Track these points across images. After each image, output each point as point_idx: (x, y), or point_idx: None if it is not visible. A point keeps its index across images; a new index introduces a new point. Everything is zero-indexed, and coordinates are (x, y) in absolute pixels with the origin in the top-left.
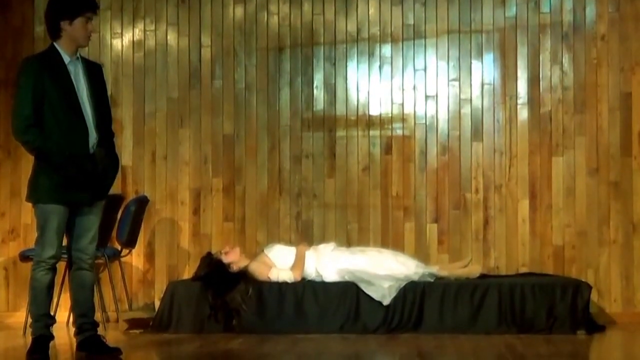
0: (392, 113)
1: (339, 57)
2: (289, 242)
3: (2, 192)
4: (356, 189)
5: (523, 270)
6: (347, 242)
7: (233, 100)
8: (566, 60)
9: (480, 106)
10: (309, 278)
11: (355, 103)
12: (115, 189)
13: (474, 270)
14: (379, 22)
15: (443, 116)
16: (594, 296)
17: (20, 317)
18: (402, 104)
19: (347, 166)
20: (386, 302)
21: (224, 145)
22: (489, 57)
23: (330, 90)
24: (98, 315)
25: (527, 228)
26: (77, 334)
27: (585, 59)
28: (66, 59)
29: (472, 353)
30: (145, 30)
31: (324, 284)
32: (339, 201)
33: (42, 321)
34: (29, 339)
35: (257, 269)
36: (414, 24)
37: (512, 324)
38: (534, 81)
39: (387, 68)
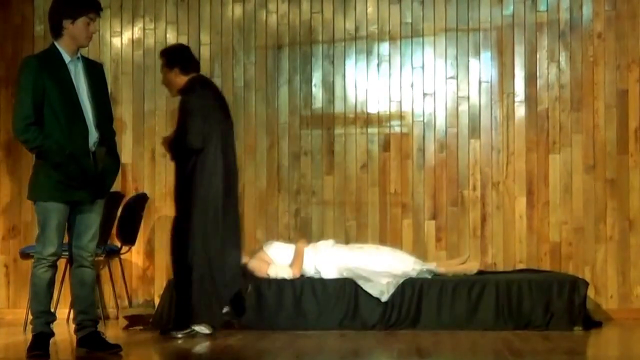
0: (390, 111)
1: (338, 56)
2: (288, 239)
3: (3, 190)
4: (354, 186)
5: (520, 266)
6: (346, 239)
7: (232, 99)
8: (563, 58)
9: (477, 104)
10: (308, 275)
11: (354, 101)
12: (115, 186)
13: (472, 266)
14: (377, 21)
15: (441, 114)
16: (590, 292)
17: (21, 314)
18: (400, 102)
19: (346, 164)
20: (384, 298)
21: None
22: (486, 55)
23: (329, 88)
24: (98, 312)
25: (524, 225)
26: (77, 330)
27: (582, 56)
28: (66, 58)
29: (469, 349)
30: (144, 29)
31: (322, 281)
32: (338, 198)
33: (43, 318)
34: (30, 335)
35: (256, 266)
36: (411, 22)
37: (510, 320)
38: (531, 79)
39: (385, 66)
